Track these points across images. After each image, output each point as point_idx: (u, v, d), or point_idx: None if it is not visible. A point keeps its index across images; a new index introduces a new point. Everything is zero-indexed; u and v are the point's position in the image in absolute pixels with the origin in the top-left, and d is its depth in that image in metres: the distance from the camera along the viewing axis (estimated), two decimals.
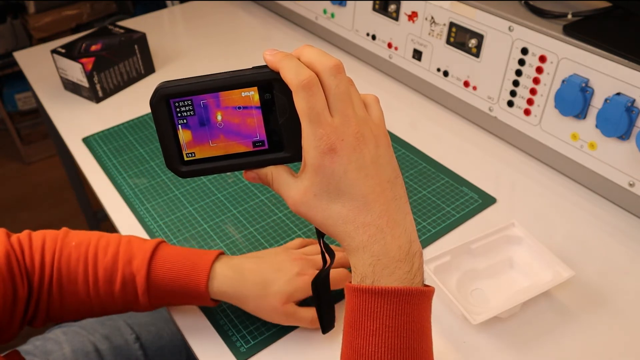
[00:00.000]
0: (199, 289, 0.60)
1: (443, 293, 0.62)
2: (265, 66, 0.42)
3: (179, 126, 0.43)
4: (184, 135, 0.44)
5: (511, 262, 0.69)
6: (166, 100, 0.42)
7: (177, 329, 0.66)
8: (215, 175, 0.82)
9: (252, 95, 0.43)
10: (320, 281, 0.52)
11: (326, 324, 0.54)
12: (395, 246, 0.41)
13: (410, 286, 0.41)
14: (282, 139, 0.44)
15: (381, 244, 0.41)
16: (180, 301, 0.64)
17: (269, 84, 0.42)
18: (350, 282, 0.43)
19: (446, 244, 0.73)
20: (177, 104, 0.43)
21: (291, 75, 0.40)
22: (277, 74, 0.42)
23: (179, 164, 0.44)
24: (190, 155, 0.44)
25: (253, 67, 0.43)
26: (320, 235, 0.48)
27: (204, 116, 0.43)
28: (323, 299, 0.53)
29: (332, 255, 0.50)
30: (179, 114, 0.43)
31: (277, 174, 0.45)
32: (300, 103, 0.40)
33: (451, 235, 0.75)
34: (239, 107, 0.43)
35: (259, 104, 0.43)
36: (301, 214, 0.43)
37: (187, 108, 0.43)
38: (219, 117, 0.43)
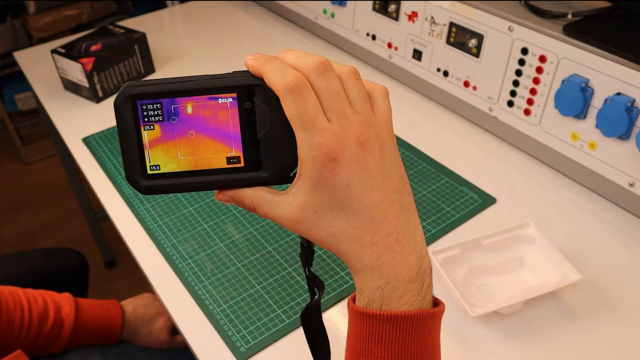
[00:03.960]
0: (117, 317, 0.84)
1: (448, 285, 0.63)
2: (247, 71, 0.38)
3: (145, 133, 0.38)
4: (149, 144, 0.38)
5: (522, 261, 0.69)
6: (133, 101, 0.37)
7: (178, 329, 0.66)
8: None
9: (230, 102, 0.37)
10: (311, 314, 0.46)
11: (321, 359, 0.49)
12: (406, 266, 0.38)
13: (421, 309, 0.38)
14: (260, 156, 0.39)
15: (390, 264, 0.37)
16: (92, 338, 0.82)
17: (250, 91, 0.37)
18: (355, 302, 0.40)
19: (446, 244, 0.73)
20: (144, 107, 0.37)
21: (276, 79, 0.35)
22: (260, 79, 0.37)
23: (140, 178, 0.39)
24: (154, 168, 0.39)
25: (233, 72, 0.38)
26: (305, 264, 0.44)
27: (174, 123, 0.38)
28: (315, 332, 0.48)
29: (320, 286, 0.46)
30: (146, 119, 0.38)
31: (257, 196, 0.39)
32: (290, 108, 0.35)
33: (451, 235, 0.75)
34: (214, 111, 0.38)
35: (237, 113, 0.38)
36: (300, 233, 0.39)
37: (155, 112, 0.37)
38: (191, 126, 0.38)
